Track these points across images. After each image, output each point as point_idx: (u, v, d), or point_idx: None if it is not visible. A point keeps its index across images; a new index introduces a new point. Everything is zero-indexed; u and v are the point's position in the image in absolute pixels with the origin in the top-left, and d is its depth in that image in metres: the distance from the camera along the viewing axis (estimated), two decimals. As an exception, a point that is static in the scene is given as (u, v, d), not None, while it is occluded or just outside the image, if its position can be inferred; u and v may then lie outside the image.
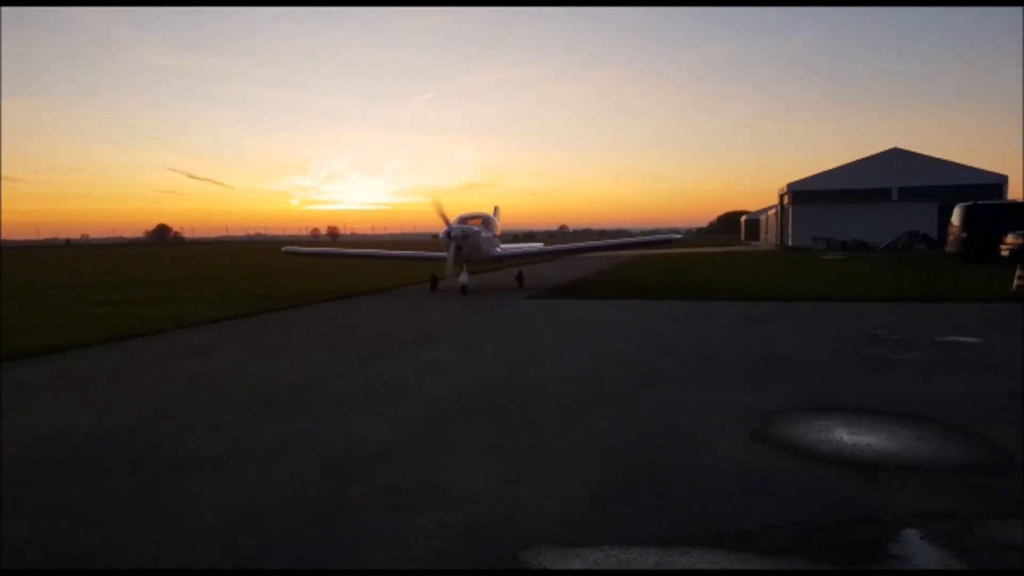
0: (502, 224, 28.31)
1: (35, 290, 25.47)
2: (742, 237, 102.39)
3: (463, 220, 21.98)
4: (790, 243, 53.96)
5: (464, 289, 20.01)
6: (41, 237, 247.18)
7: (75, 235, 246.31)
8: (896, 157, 55.78)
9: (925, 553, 3.84)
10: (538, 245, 31.15)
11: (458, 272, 20.84)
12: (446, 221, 21.12)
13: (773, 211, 70.33)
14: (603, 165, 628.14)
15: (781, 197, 62.88)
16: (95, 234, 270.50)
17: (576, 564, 3.77)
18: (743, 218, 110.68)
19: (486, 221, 23.16)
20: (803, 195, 58.04)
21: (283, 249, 27.68)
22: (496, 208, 28.66)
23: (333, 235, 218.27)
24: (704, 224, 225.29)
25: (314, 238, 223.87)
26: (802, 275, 25.87)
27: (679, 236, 26.47)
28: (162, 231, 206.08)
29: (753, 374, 8.77)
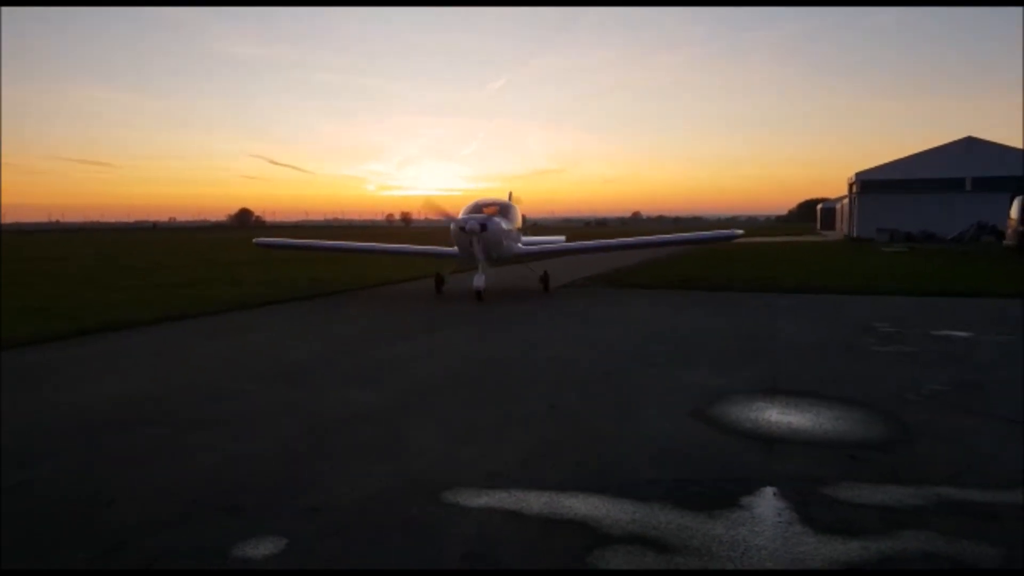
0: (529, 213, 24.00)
1: (119, 270, 27.73)
2: (818, 226, 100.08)
3: (477, 208, 18.19)
4: (855, 234, 53.02)
5: (479, 295, 16.54)
6: (131, 220, 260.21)
7: (163, 218, 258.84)
8: (969, 146, 54.05)
9: (767, 502, 4.70)
10: (559, 238, 25.57)
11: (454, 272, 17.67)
12: (448, 216, 17.65)
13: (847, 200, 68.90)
14: (677, 151, 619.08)
15: (850, 186, 61.63)
16: (182, 217, 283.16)
17: (482, 501, 4.77)
18: (819, 206, 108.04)
19: (504, 209, 19.00)
20: (873, 184, 56.80)
21: (254, 241, 24.38)
22: (511, 194, 23.76)
23: (407, 220, 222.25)
24: (783, 212, 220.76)
25: (389, 223, 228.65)
26: (847, 268, 25.95)
27: (740, 233, 21.78)
28: (244, 215, 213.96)
29: (730, 359, 9.57)
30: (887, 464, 5.45)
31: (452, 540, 4.22)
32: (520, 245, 19.78)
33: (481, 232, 16.55)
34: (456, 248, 17.71)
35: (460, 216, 17.32)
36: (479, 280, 16.68)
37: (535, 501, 4.77)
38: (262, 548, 4.14)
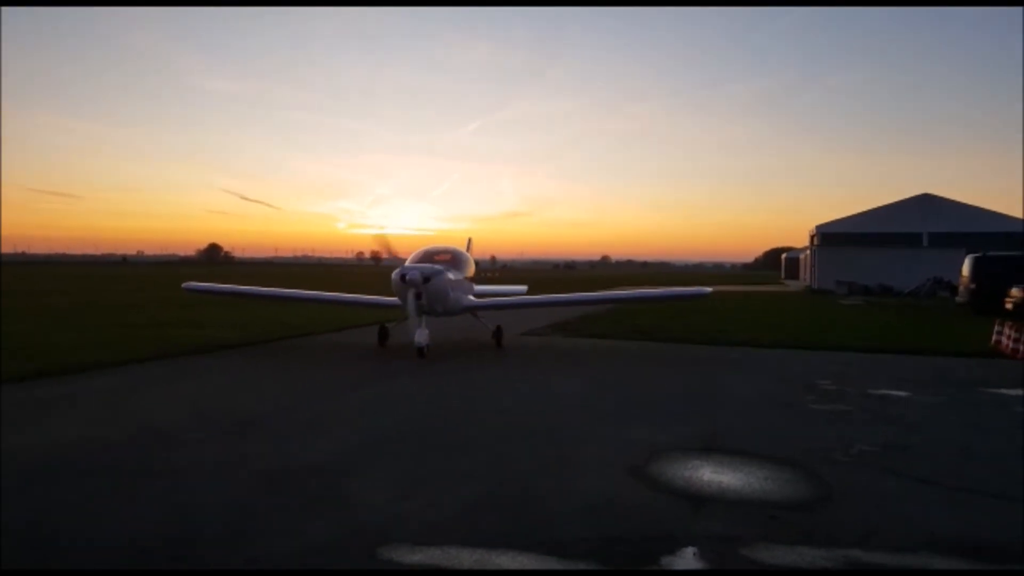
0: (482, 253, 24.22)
1: (94, 311, 27.50)
2: (782, 275, 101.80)
3: (428, 256, 17.13)
4: (815, 285, 54.20)
5: (421, 351, 15.07)
6: (100, 252, 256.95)
7: (131, 251, 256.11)
8: (926, 202, 55.89)
9: (685, 562, 4.98)
10: (521, 288, 24.77)
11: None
12: (393, 256, 16.72)
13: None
14: (645, 197, 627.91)
15: (811, 238, 63.14)
16: (150, 251, 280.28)
17: (417, 558, 5.00)
18: (784, 256, 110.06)
19: (456, 258, 17.90)
20: (832, 237, 58.33)
21: (183, 285, 21.67)
22: (469, 240, 23.53)
23: (377, 259, 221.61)
24: (750, 259, 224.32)
25: (359, 261, 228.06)
26: (801, 321, 26.60)
27: (709, 291, 20.30)
28: (213, 250, 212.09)
29: (671, 414, 9.96)
30: (805, 525, 5.77)
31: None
32: (471, 297, 18.41)
33: (424, 284, 15.15)
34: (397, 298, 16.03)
35: (407, 264, 16.10)
36: (421, 336, 15.16)
37: (465, 557, 5.01)
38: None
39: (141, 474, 6.89)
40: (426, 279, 15.21)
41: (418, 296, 15.11)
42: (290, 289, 23.50)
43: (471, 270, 19.28)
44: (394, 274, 15.51)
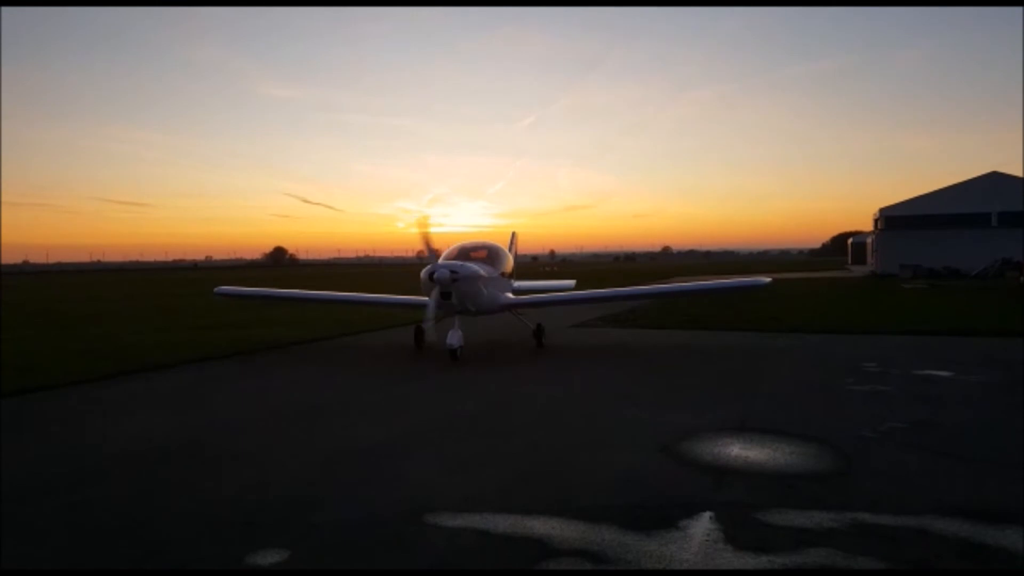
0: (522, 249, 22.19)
1: (172, 314, 29.11)
2: (849, 261, 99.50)
3: (463, 252, 16.43)
4: (879, 270, 53.09)
5: (454, 354, 14.26)
6: (170, 258, 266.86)
7: (200, 256, 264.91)
8: (995, 181, 54.12)
9: (701, 524, 5.47)
10: (569, 283, 23.87)
11: (430, 325, 14.52)
12: (432, 252, 15.34)
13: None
14: (707, 185, 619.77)
15: (875, 222, 61.80)
16: (217, 255, 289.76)
17: (458, 522, 5.62)
18: (850, 240, 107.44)
19: (493, 254, 17.13)
20: (897, 220, 57.03)
21: (215, 290, 21.35)
22: (513, 234, 22.60)
23: (421, 257, 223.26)
24: (816, 245, 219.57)
25: (420, 260, 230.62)
26: (859, 306, 26.41)
27: (766, 282, 18.27)
28: (278, 253, 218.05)
29: (709, 397, 10.36)
30: (819, 493, 6.19)
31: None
32: (508, 294, 17.43)
33: (453, 282, 14.42)
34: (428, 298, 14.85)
35: (440, 260, 15.25)
36: (453, 337, 14.36)
37: (500, 521, 5.61)
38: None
39: (224, 456, 7.71)
40: (455, 278, 14.46)
41: (447, 295, 14.47)
42: (326, 292, 22.87)
43: (509, 266, 18.41)
44: (423, 272, 14.94)
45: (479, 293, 15.33)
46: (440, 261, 15.22)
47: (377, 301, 20.35)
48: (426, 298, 14.90)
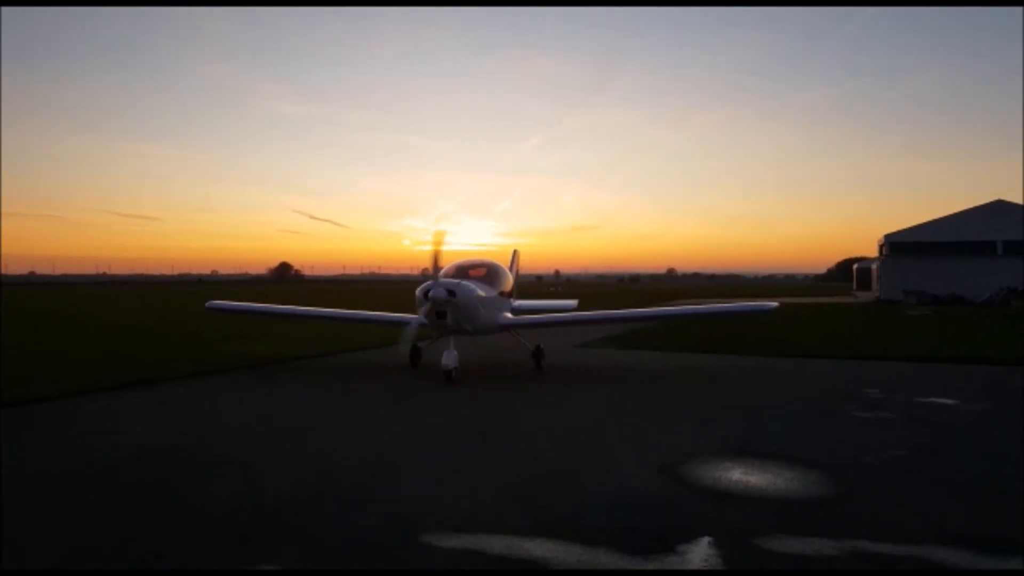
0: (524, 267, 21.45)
1: (175, 327, 29.11)
2: (854, 286, 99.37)
3: (460, 270, 15.90)
4: (883, 296, 52.99)
5: (449, 375, 13.85)
6: (175, 272, 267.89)
7: (205, 271, 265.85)
8: (1000, 209, 54.12)
9: (699, 549, 5.41)
10: (571, 303, 23.31)
11: (412, 343, 14.78)
12: (437, 270, 14.49)
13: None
14: (712, 208, 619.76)
15: (880, 248, 61.76)
16: (224, 270, 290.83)
17: (453, 543, 5.56)
18: (855, 266, 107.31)
19: (492, 272, 16.67)
20: (901, 246, 57.00)
21: (206, 304, 21.37)
22: (515, 252, 21.87)
23: (425, 275, 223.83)
24: (822, 270, 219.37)
25: (423, 277, 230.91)
26: (862, 332, 26.33)
27: (773, 306, 17.76)
28: (283, 268, 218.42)
29: (710, 420, 10.31)
30: (819, 518, 6.12)
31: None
32: (507, 314, 16.96)
33: (447, 302, 13.93)
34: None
35: (440, 279, 14.33)
36: (448, 358, 13.93)
37: (495, 543, 5.55)
38: (261, 575, 4.98)
39: (220, 461, 7.67)
40: (451, 298, 13.98)
41: (442, 314, 14.06)
42: (323, 308, 22.43)
43: (508, 285, 17.90)
44: (419, 289, 14.52)
45: (476, 313, 14.86)
46: (434, 280, 14.45)
47: (366, 318, 19.68)
48: (413, 316, 14.63)
